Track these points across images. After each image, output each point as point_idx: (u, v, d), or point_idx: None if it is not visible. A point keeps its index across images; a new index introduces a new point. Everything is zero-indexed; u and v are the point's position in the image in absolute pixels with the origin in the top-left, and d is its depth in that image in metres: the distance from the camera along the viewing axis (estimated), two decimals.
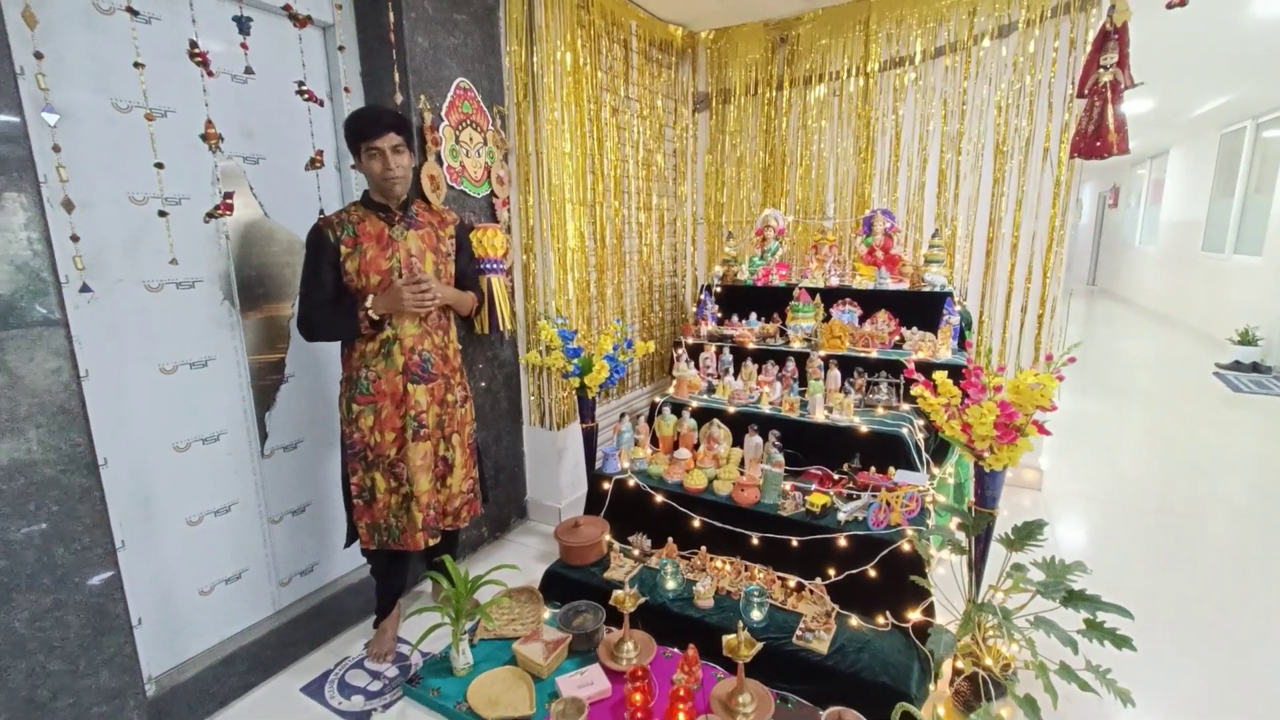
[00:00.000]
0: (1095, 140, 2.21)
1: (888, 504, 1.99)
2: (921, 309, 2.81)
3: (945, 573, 2.15)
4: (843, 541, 1.99)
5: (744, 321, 3.11)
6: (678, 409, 2.62)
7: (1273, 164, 5.87)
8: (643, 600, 1.98)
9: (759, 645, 1.67)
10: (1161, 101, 5.80)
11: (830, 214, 3.42)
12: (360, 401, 1.84)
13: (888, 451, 2.27)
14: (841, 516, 2.04)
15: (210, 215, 1.70)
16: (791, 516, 2.11)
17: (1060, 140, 2.80)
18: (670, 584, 2.10)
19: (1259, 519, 2.87)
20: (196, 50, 1.56)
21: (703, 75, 3.69)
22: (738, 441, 2.49)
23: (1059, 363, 1.65)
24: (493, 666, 1.90)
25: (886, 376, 2.54)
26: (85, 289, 1.54)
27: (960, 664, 1.65)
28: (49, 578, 1.42)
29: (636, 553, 2.34)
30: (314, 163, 1.94)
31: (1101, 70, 2.38)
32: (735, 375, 2.80)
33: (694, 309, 3.42)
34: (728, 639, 1.68)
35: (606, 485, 2.47)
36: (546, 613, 2.15)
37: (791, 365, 2.72)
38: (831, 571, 2.01)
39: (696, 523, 2.26)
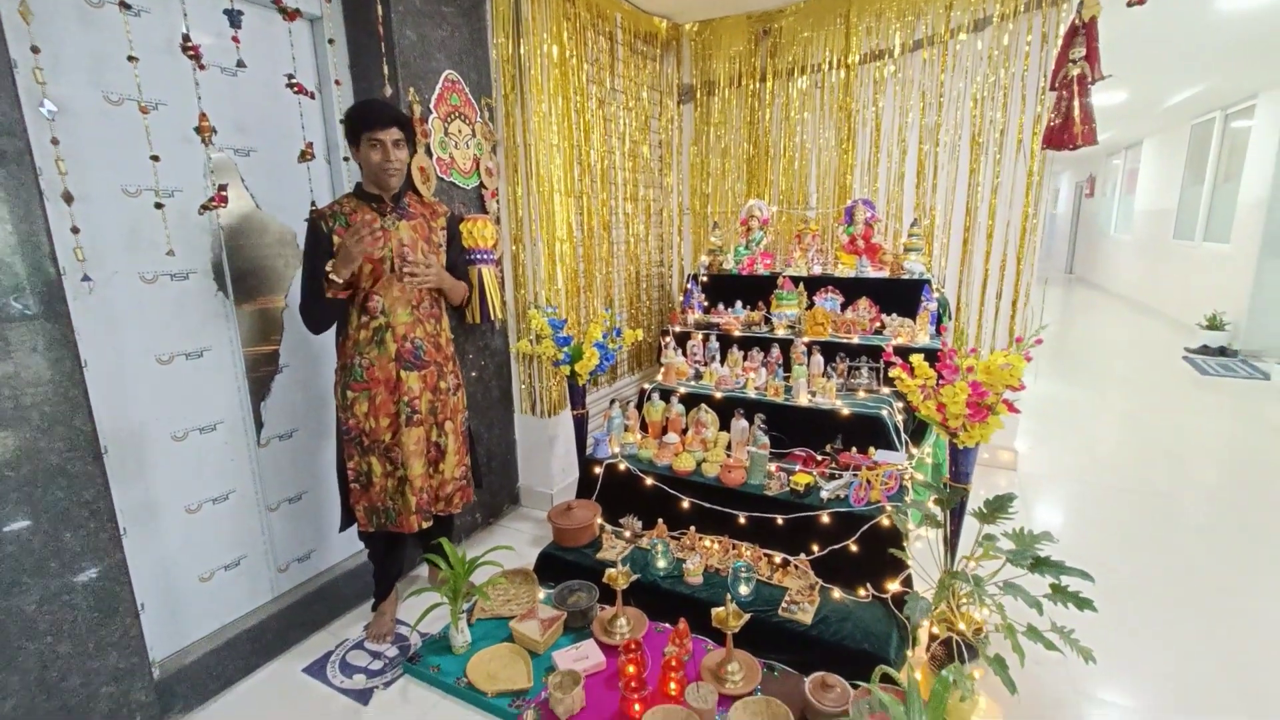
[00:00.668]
0: (1064, 132, 2.30)
1: (868, 482, 2.08)
2: (901, 296, 2.90)
3: (923, 548, 2.25)
4: (825, 518, 2.08)
5: (730, 309, 3.18)
6: (666, 395, 2.70)
7: (1240, 153, 6.06)
8: (634, 578, 2.05)
9: (746, 616, 1.75)
10: (1134, 93, 5.95)
11: (813, 204, 3.50)
12: (355, 388, 1.89)
13: (868, 433, 2.36)
14: (824, 495, 2.13)
15: (205, 207, 1.72)
16: (777, 496, 2.20)
17: (1033, 132, 2.90)
18: (661, 563, 2.18)
19: (1225, 496, 3.01)
20: (189, 44, 1.58)
21: (687, 67, 3.74)
22: (725, 425, 2.56)
23: (1027, 344, 1.74)
24: (490, 644, 1.96)
25: (867, 361, 2.63)
26: (86, 279, 1.56)
27: (935, 629, 1.74)
28: (56, 562, 1.46)
29: (628, 534, 2.41)
30: (304, 155, 1.97)
31: (1071, 64, 2.47)
32: (722, 362, 2.88)
33: (681, 298, 3.48)
34: (716, 611, 1.76)
35: (598, 470, 2.54)
36: (541, 593, 2.22)
37: (776, 351, 2.80)
38: (815, 547, 2.10)
39: (685, 504, 2.34)
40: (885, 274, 3.00)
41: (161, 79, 1.75)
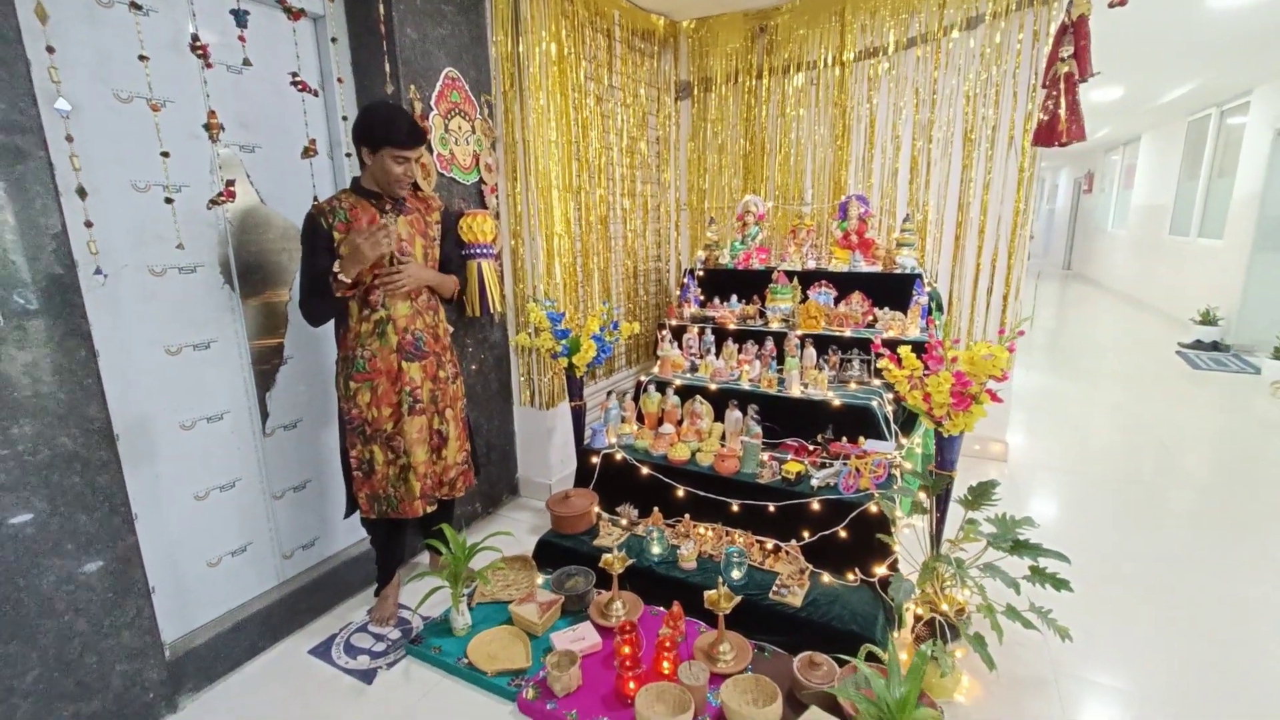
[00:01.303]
0: (1051, 129, 2.34)
1: (857, 470, 2.14)
2: (893, 290, 2.95)
3: (910, 535, 2.31)
4: (816, 506, 2.14)
5: (725, 303, 3.24)
6: (662, 387, 2.75)
7: (1235, 149, 6.10)
8: (630, 562, 2.11)
9: (738, 598, 1.81)
10: (1130, 89, 5.99)
11: (808, 199, 3.55)
12: (357, 379, 1.94)
13: (859, 423, 2.42)
14: (815, 483, 2.19)
15: (213, 202, 1.77)
16: (769, 484, 2.26)
17: (1024, 129, 2.95)
18: (656, 549, 2.24)
19: (1214, 487, 3.07)
20: (198, 43, 1.63)
21: (684, 64, 3.78)
22: (719, 416, 2.62)
23: (1010, 336, 1.80)
24: (490, 627, 2.03)
25: (859, 354, 2.69)
26: (99, 272, 1.62)
27: (920, 611, 1.81)
28: (73, 544, 1.52)
29: (624, 522, 2.47)
30: (308, 151, 2.01)
31: (1060, 62, 2.51)
32: (717, 354, 2.93)
33: (678, 292, 3.53)
34: (709, 593, 1.82)
35: (595, 459, 2.60)
36: (540, 578, 2.28)
37: (770, 344, 2.85)
38: (806, 533, 2.16)
39: (680, 492, 2.40)
40: (878, 269, 3.06)
41: (169, 77, 1.79)
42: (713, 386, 2.70)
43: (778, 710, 1.58)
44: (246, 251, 2.07)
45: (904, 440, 2.51)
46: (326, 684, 1.89)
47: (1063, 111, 2.22)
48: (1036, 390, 4.65)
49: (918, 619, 1.82)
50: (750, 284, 3.25)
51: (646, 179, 3.68)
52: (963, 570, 1.66)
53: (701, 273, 3.41)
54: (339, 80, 2.25)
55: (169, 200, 1.73)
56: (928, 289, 2.90)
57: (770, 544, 2.21)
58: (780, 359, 2.80)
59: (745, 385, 2.67)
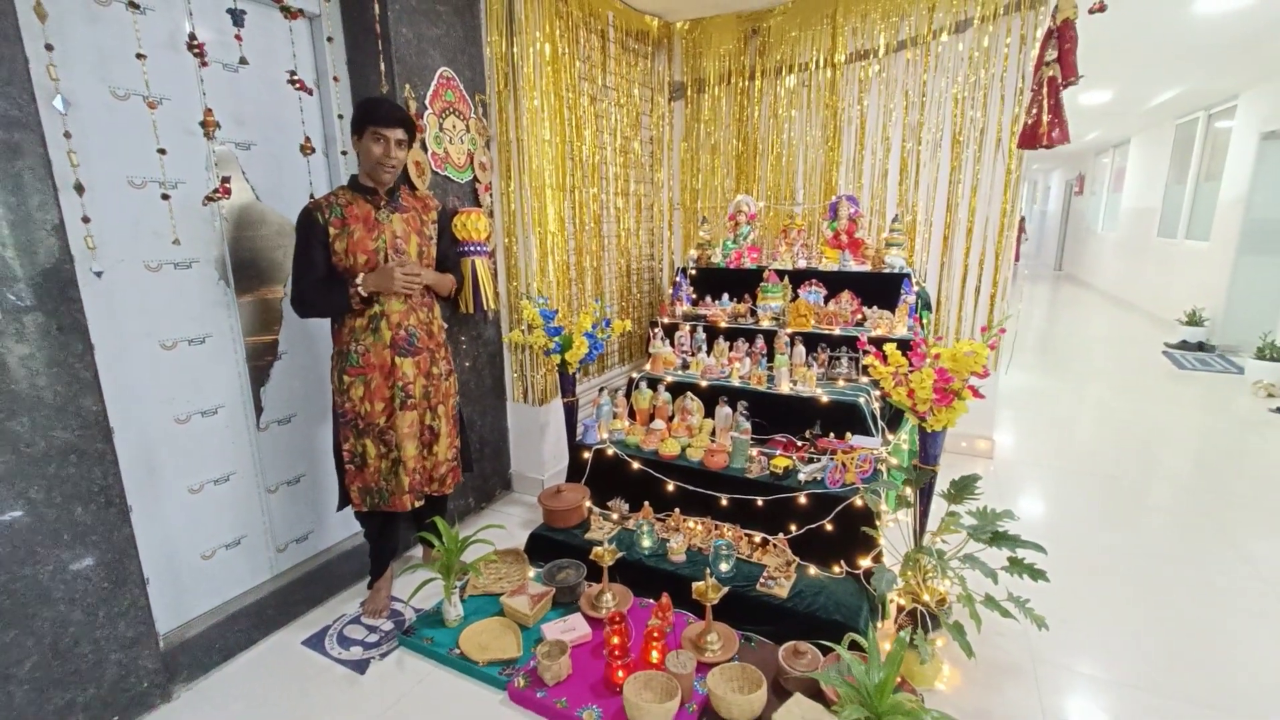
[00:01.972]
0: (1034, 132, 2.39)
1: (843, 465, 2.18)
2: (882, 289, 3.00)
3: (895, 528, 2.36)
4: (803, 500, 2.18)
5: (717, 302, 3.27)
6: (654, 383, 2.79)
7: (1222, 153, 6.18)
8: (621, 555, 2.15)
9: (725, 589, 1.85)
10: (1118, 92, 6.06)
11: (799, 199, 3.59)
12: (351, 374, 1.97)
13: (846, 419, 2.46)
14: (802, 477, 2.23)
15: (209, 199, 1.80)
16: (757, 478, 2.30)
17: (1011, 131, 3.00)
18: (646, 542, 2.27)
19: (1192, 483, 3.13)
20: (195, 42, 1.65)
21: (678, 65, 3.82)
22: (710, 413, 2.66)
23: (991, 334, 1.84)
24: (482, 619, 2.06)
25: (847, 351, 2.73)
26: (97, 273, 1.64)
27: (902, 601, 1.85)
28: (69, 534, 1.54)
29: (615, 516, 2.51)
30: (304, 149, 2.04)
31: (1045, 66, 2.56)
32: (708, 352, 2.97)
33: (670, 290, 3.57)
34: (697, 585, 1.86)
35: (587, 455, 2.63)
36: (531, 571, 2.32)
37: (760, 342, 2.89)
38: (793, 527, 2.20)
39: (670, 487, 2.44)
40: (867, 268, 3.10)
41: (165, 74, 1.82)
42: (703, 383, 2.74)
43: (762, 697, 1.62)
44: (242, 248, 2.10)
45: (891, 436, 2.55)
46: (320, 674, 1.91)
47: (1045, 115, 2.26)
48: (1024, 389, 4.71)
49: (900, 609, 1.86)
50: (742, 283, 3.29)
51: (640, 179, 3.71)
52: (943, 562, 1.70)
53: (694, 271, 3.44)
54: (334, 79, 2.28)
55: (165, 196, 1.75)
56: (916, 288, 2.94)
57: (758, 537, 2.24)
58: (770, 356, 2.84)
59: (735, 382, 2.71)
